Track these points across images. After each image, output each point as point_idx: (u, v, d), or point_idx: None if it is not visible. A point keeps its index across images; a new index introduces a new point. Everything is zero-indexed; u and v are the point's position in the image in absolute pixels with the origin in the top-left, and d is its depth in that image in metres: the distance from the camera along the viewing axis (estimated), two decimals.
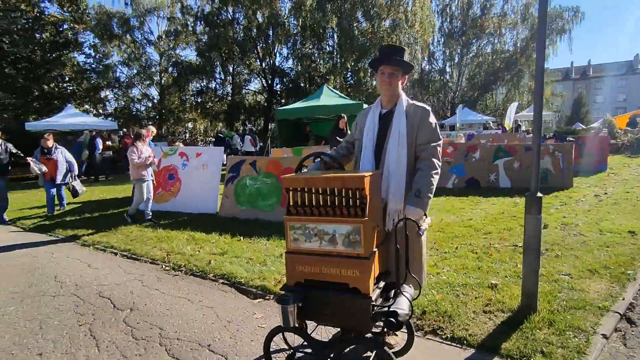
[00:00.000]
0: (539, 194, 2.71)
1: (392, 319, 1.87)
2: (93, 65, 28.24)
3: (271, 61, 24.81)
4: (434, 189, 2.22)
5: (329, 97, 12.87)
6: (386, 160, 2.31)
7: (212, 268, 4.01)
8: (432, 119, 2.32)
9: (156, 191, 7.13)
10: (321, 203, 2.02)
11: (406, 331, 2.35)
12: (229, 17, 23.75)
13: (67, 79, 26.34)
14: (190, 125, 35.04)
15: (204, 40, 24.81)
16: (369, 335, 2.12)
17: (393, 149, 2.30)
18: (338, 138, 7.23)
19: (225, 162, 7.50)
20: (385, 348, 1.94)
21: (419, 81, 29.08)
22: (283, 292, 2.14)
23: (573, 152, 8.14)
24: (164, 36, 28.78)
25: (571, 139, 14.17)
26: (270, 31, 22.12)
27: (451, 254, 4.07)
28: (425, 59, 29.74)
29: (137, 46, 28.84)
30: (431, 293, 3.13)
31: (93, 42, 27.99)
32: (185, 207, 6.88)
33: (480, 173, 8.24)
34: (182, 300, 3.34)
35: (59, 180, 7.10)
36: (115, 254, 4.76)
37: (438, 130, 2.33)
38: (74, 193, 7.30)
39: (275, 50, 24.80)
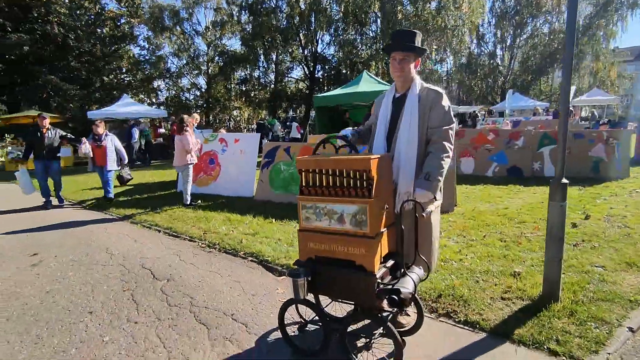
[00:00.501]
0: (564, 180, 2.61)
1: (394, 297, 1.95)
2: (147, 57, 29.97)
3: (313, 48, 24.83)
4: (445, 172, 2.24)
5: (368, 83, 12.75)
6: (397, 144, 2.36)
7: (243, 247, 4.27)
8: (445, 102, 2.31)
9: (198, 175, 7.58)
10: (330, 184, 2.12)
11: (416, 311, 2.41)
12: (272, 5, 24.04)
13: (124, 70, 28.20)
14: (235, 113, 36.25)
15: (248, 29, 25.37)
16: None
17: (404, 132, 2.33)
18: None
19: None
20: (390, 325, 2.01)
21: (467, 65, 27.83)
22: (296, 267, 2.29)
23: (633, 139, 7.49)
24: (210, 27, 29.81)
25: (636, 125, 12.99)
26: (313, 18, 22.09)
27: (478, 242, 4.00)
28: (474, 41, 28.33)
29: (186, 37, 30.12)
30: (450, 278, 3.14)
31: (147, 35, 29.69)
32: (224, 191, 7.26)
33: (523, 161, 7.85)
34: (213, 274, 3.61)
35: (108, 167, 7.07)
36: (159, 231, 5.19)
37: (451, 113, 2.33)
38: (121, 180, 7.50)
39: (317, 37, 24.81)
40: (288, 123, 17.85)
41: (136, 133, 14.31)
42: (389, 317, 2.20)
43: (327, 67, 25.72)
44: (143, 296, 3.20)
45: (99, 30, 24.79)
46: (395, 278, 2.18)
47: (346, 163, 2.06)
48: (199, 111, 32.12)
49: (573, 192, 6.21)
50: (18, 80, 17.90)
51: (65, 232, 5.30)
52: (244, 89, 28.54)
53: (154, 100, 31.41)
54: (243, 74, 28.09)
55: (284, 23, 23.95)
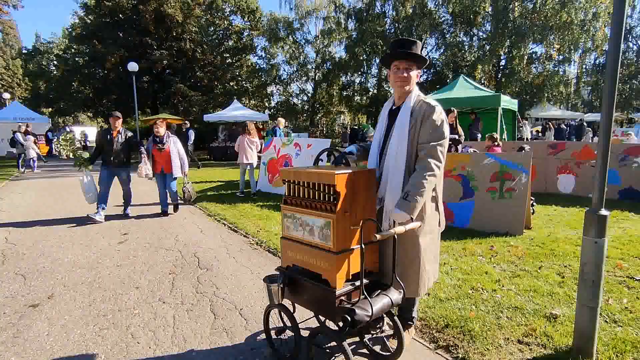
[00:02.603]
0: (604, 212, 2.14)
1: (347, 316, 1.90)
2: (263, 66, 33.05)
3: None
4: (426, 191, 2.06)
5: (463, 88, 11.94)
6: (386, 158, 2.26)
7: None
8: (437, 117, 2.13)
9: (274, 176, 8.14)
10: (305, 195, 2.16)
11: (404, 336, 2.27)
12: (378, 11, 24.13)
13: (244, 77, 31.60)
14: (343, 117, 37.40)
15: (353, 36, 25.98)
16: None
17: (393, 147, 2.23)
18: None
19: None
20: (345, 344, 1.96)
21: (604, 65, 23.59)
22: (276, 273, 2.39)
23: None
24: (320, 35, 31.37)
25: None
26: (416, 22, 21.48)
27: (528, 273, 3.48)
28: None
29: (297, 46, 32.27)
30: (469, 309, 2.83)
31: (264, 45, 32.75)
32: None
33: None
34: (246, 269, 3.91)
35: (173, 173, 6.25)
36: (224, 224, 5.77)
37: (444, 129, 2.13)
38: (187, 197, 6.93)
39: (423, 41, 24.01)
40: None
41: (192, 135, 14.18)
42: (343, 335, 2.10)
43: (431, 70, 24.74)
44: (181, 280, 3.65)
45: (225, 43, 28.39)
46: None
47: (316, 176, 2.08)
48: (305, 115, 34.19)
49: None
50: (159, 88, 21.63)
51: (155, 218, 6.28)
52: (345, 94, 29.27)
53: (267, 104, 34.49)
54: (345, 79, 28.83)
55: (389, 28, 23.84)
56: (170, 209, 6.57)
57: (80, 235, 5.24)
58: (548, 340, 2.42)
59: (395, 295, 2.11)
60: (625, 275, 3.39)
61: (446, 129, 2.16)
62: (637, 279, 3.29)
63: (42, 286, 3.55)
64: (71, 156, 6.38)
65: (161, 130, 6.21)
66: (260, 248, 4.64)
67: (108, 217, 6.26)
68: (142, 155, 6.15)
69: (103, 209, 6.09)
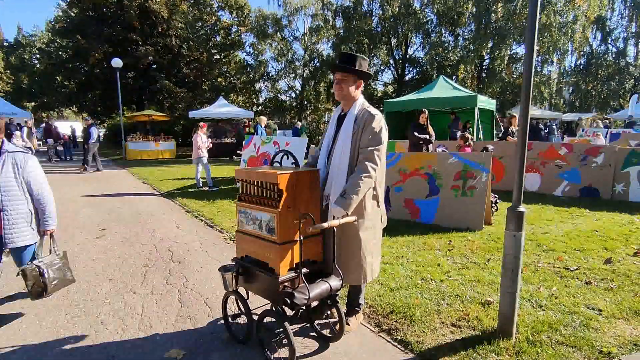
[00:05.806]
0: (521, 208, 2.42)
1: (287, 299, 2.14)
2: (251, 62, 33.02)
3: (402, 52, 24.49)
4: (362, 191, 2.31)
5: (443, 89, 12.27)
6: (332, 160, 2.50)
7: None
8: (377, 124, 2.37)
9: None
10: (255, 193, 2.39)
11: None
12: (365, 9, 24.37)
13: (233, 73, 31.55)
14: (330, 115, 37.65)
15: (341, 34, 26.18)
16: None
17: (339, 149, 2.47)
18: (417, 134, 7.04)
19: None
20: (287, 325, 2.20)
21: (585, 66, 24.23)
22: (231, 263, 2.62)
23: None
24: (308, 33, 31.46)
25: None
26: (402, 21, 21.76)
27: (478, 265, 3.77)
28: (598, 38, 24.53)
29: (286, 43, 32.32)
30: (415, 297, 3.10)
31: (252, 41, 32.71)
32: None
33: (602, 181, 6.78)
34: (215, 262, 4.12)
35: (19, 240, 2.80)
36: (202, 220, 5.97)
37: (382, 135, 2.38)
38: (38, 286, 2.82)
39: (409, 40, 24.35)
40: None
41: (94, 133, 12.28)
42: (285, 315, 2.34)
43: (417, 69, 25.10)
44: (153, 273, 3.85)
45: (213, 38, 28.33)
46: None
47: (263, 176, 2.31)
48: (294, 112, 34.35)
49: None
50: (144, 84, 21.55)
51: (134, 214, 6.44)
52: (332, 91, 29.45)
53: (255, 101, 34.50)
54: (333, 77, 29.06)
55: (375, 27, 24.09)
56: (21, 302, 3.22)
57: (59, 230, 5.37)
58: (478, 323, 2.70)
59: (334, 282, 2.36)
60: (562, 266, 3.70)
61: (384, 136, 2.40)
62: (572, 269, 3.61)
63: (17, 279, 3.70)
64: None
65: None
66: (232, 243, 4.85)
67: None
68: None
69: None
